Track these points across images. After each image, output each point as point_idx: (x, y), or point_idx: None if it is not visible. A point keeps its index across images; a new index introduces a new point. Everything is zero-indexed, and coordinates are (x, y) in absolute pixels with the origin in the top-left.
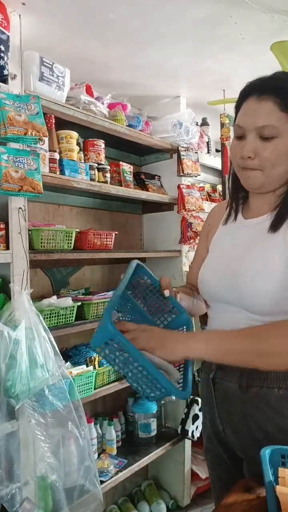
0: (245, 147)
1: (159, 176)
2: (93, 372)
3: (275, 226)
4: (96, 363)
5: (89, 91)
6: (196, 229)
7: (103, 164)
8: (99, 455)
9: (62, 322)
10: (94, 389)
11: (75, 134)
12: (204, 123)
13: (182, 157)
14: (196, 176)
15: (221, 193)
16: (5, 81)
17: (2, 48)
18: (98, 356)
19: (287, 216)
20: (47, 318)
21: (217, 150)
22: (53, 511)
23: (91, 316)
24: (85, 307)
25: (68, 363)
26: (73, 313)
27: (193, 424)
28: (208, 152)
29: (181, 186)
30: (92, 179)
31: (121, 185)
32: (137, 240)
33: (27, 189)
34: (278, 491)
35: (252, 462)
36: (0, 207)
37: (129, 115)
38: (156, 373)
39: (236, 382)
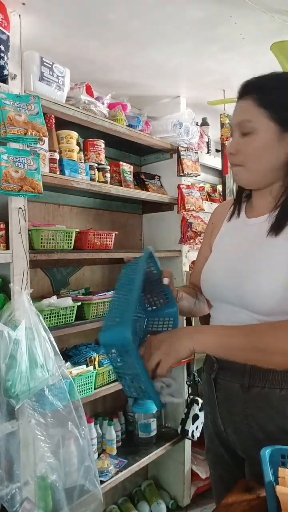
0: (230, 144)
1: (159, 176)
2: (93, 372)
3: (275, 231)
4: (96, 363)
5: (89, 91)
6: (196, 229)
7: (103, 164)
8: (99, 455)
9: (62, 322)
10: (94, 389)
11: (75, 134)
12: (204, 123)
13: (182, 157)
14: (196, 176)
15: (221, 193)
16: (5, 81)
17: (2, 48)
18: (98, 356)
19: (284, 220)
20: (47, 318)
21: (217, 150)
22: (53, 511)
23: (91, 316)
24: (85, 307)
25: (68, 363)
26: (73, 313)
27: (193, 424)
28: (208, 152)
29: (181, 186)
30: (92, 179)
31: (121, 185)
32: (137, 240)
33: (27, 189)
34: (278, 491)
35: (253, 462)
36: (0, 207)
37: (129, 115)
38: (148, 386)
39: (238, 382)
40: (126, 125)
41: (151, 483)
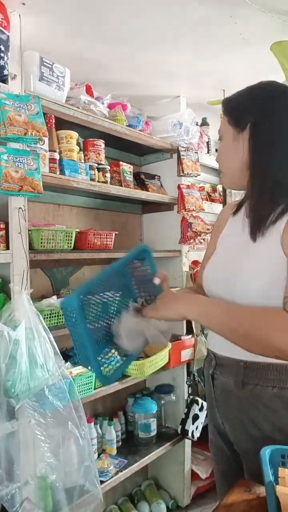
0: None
1: (159, 176)
2: (93, 372)
3: (253, 237)
4: None
5: (89, 91)
6: (196, 229)
7: (103, 164)
8: (99, 455)
9: (62, 322)
10: (94, 389)
11: (75, 134)
12: (204, 123)
13: (182, 157)
14: (196, 176)
15: (221, 193)
16: (5, 81)
17: (2, 48)
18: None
19: (257, 223)
20: (47, 318)
21: (217, 150)
22: (53, 511)
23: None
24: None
25: (68, 363)
26: None
27: (193, 424)
28: (208, 152)
29: (181, 186)
30: (92, 179)
31: (121, 185)
32: (137, 240)
33: (27, 189)
34: (278, 491)
35: (248, 457)
36: (0, 207)
37: (129, 115)
38: (92, 357)
39: (232, 379)
40: (126, 125)
41: (151, 483)
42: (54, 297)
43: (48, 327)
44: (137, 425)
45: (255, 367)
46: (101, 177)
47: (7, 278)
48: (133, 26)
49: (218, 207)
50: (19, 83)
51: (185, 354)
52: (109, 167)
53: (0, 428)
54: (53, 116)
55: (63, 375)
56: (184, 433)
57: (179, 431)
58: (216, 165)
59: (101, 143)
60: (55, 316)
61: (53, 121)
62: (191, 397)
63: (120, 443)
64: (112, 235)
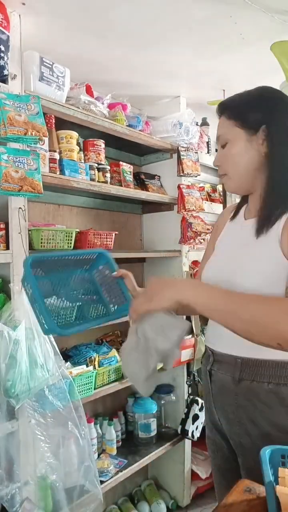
0: (214, 158)
1: (159, 176)
2: (93, 372)
3: (259, 231)
4: (96, 363)
5: (89, 91)
6: (196, 229)
7: (103, 164)
8: (99, 455)
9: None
10: (94, 389)
11: (75, 134)
12: (204, 123)
13: (182, 157)
14: (196, 176)
15: (221, 193)
16: (5, 81)
17: (2, 48)
18: (98, 356)
19: (268, 221)
20: None
21: (217, 150)
22: (53, 511)
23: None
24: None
25: (68, 363)
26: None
27: (193, 424)
28: (208, 152)
29: (181, 186)
30: (92, 179)
31: (121, 185)
32: (137, 240)
33: (27, 189)
34: (278, 491)
35: (243, 452)
36: (0, 207)
37: (129, 115)
38: (44, 311)
39: (230, 375)
40: (126, 125)
41: (151, 483)
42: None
43: None
44: (137, 425)
45: (252, 364)
46: (101, 177)
47: (7, 278)
48: (133, 26)
49: (218, 207)
50: (19, 83)
51: (185, 354)
52: (109, 167)
53: (0, 428)
54: (53, 116)
55: (63, 375)
56: (184, 433)
57: (179, 431)
58: None
59: (101, 143)
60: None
61: (53, 121)
62: (191, 397)
63: (120, 443)
64: (112, 235)
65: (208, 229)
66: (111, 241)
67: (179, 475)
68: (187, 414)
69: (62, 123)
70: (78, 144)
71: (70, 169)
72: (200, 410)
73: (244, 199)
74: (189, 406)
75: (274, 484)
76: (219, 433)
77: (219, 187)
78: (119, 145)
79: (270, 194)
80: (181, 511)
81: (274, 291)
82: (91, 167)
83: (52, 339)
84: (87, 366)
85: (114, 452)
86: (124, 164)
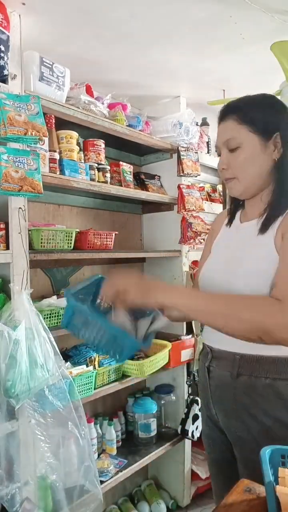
0: (219, 161)
1: (159, 176)
2: (93, 372)
3: (262, 229)
4: (96, 363)
5: (89, 91)
6: (196, 229)
7: (103, 164)
8: (99, 455)
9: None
10: (94, 389)
11: (75, 134)
12: (204, 123)
13: (182, 157)
14: (196, 176)
15: (221, 193)
16: (5, 81)
17: (2, 48)
18: (98, 356)
19: (272, 221)
20: (47, 318)
21: (216, 151)
22: (53, 511)
23: None
24: None
25: (68, 363)
26: None
27: (193, 424)
28: (208, 152)
29: (181, 186)
30: (92, 179)
31: (121, 185)
32: (137, 240)
33: (27, 189)
34: (278, 491)
35: (241, 444)
36: (0, 207)
37: (129, 115)
38: (116, 329)
39: (228, 371)
40: (126, 125)
41: (151, 483)
42: (54, 297)
43: (48, 327)
44: (137, 425)
45: (250, 360)
46: (101, 177)
47: (7, 278)
48: (133, 26)
49: (218, 207)
50: (19, 83)
51: (185, 354)
52: (109, 167)
53: (0, 428)
54: (53, 116)
55: (63, 375)
56: (184, 433)
57: (179, 431)
58: (216, 165)
59: (101, 143)
60: (55, 316)
61: (53, 121)
62: (191, 397)
63: (120, 443)
64: (112, 235)
65: (208, 229)
66: (111, 241)
67: (179, 475)
68: (187, 414)
69: (62, 123)
70: (78, 144)
71: (70, 169)
72: (200, 410)
73: (237, 205)
74: (189, 406)
75: (274, 484)
76: (216, 427)
77: (219, 187)
78: (119, 145)
79: (278, 198)
80: (181, 511)
81: (269, 289)
82: (91, 167)
83: (52, 339)
84: (87, 366)
85: (114, 452)
86: (124, 164)
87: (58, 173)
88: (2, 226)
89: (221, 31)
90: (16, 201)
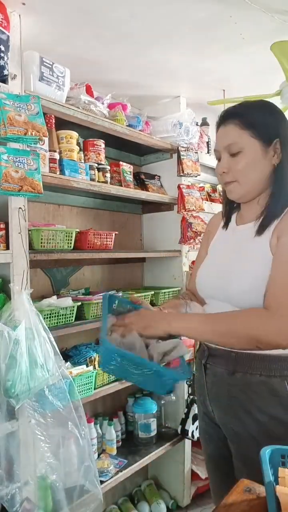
0: (220, 165)
1: (159, 176)
2: (93, 372)
3: (259, 231)
4: (96, 363)
5: (89, 91)
6: (196, 229)
7: (103, 164)
8: (99, 455)
9: (62, 322)
10: (94, 389)
11: (75, 134)
12: (204, 123)
13: (182, 157)
14: (196, 176)
15: (221, 193)
16: (5, 81)
17: (2, 48)
18: (98, 356)
19: (269, 223)
20: (47, 318)
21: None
22: (53, 511)
23: (91, 316)
24: (85, 307)
25: (68, 363)
26: (73, 313)
27: (193, 424)
28: (208, 152)
29: (181, 186)
30: (92, 179)
31: (121, 185)
32: (137, 240)
33: (27, 189)
34: (278, 491)
35: (236, 438)
36: (0, 207)
37: (129, 115)
38: (158, 366)
39: (224, 368)
40: (126, 125)
41: (151, 483)
42: (54, 297)
43: (48, 327)
44: (137, 425)
45: (245, 357)
46: (101, 177)
47: (7, 278)
48: (133, 26)
49: (218, 207)
50: (19, 83)
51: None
52: (109, 167)
53: (0, 428)
54: (53, 116)
55: (63, 375)
56: (184, 433)
57: (179, 431)
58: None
59: (101, 143)
60: (55, 316)
61: (53, 121)
62: (191, 397)
63: (120, 443)
64: (112, 235)
65: None
66: (111, 241)
67: (179, 475)
68: (187, 414)
69: (62, 123)
70: (78, 144)
71: (70, 169)
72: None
73: (232, 207)
74: (189, 406)
75: (274, 484)
76: (212, 423)
77: (219, 187)
78: (119, 145)
79: (275, 202)
80: (181, 511)
81: (265, 289)
82: (91, 167)
83: (52, 339)
84: (87, 366)
85: (114, 452)
86: (124, 164)
87: (58, 173)
88: (2, 226)
89: (221, 31)
90: (16, 201)
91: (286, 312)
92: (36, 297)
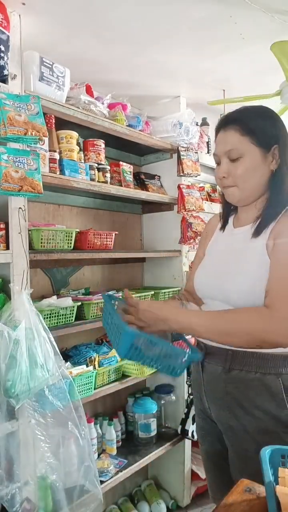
0: (220, 169)
1: (159, 176)
2: (93, 372)
3: (256, 233)
4: (96, 363)
5: (89, 91)
6: (196, 229)
7: (103, 164)
8: (99, 455)
9: (62, 322)
10: (94, 389)
11: (75, 134)
12: (204, 123)
13: (182, 157)
14: (196, 176)
15: (221, 193)
16: (5, 81)
17: (2, 48)
18: (98, 356)
19: (265, 226)
20: (47, 318)
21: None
22: (53, 511)
23: (91, 316)
24: (85, 307)
25: (68, 363)
26: (73, 313)
27: (193, 424)
28: (208, 152)
29: (181, 186)
30: (92, 179)
31: (121, 185)
32: (137, 240)
33: (27, 189)
34: (278, 491)
35: (232, 433)
36: (0, 207)
37: (129, 115)
38: (175, 348)
39: (220, 365)
40: (126, 125)
41: (151, 483)
42: (54, 297)
43: (48, 327)
44: (137, 425)
45: (241, 355)
46: (101, 177)
47: (7, 278)
48: (133, 26)
49: (218, 207)
50: (19, 83)
51: None
52: (109, 167)
53: (0, 428)
54: (53, 116)
55: (63, 375)
56: (184, 433)
57: (179, 431)
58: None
59: (101, 143)
60: (55, 316)
61: (53, 121)
62: (191, 397)
63: (120, 443)
64: (112, 235)
65: None
66: (111, 241)
67: (179, 475)
68: (187, 414)
69: (62, 123)
70: (78, 144)
71: (70, 169)
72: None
73: (230, 210)
74: (189, 406)
75: (274, 484)
76: (208, 419)
77: (219, 188)
78: (119, 145)
79: (272, 206)
80: (181, 511)
81: (262, 294)
82: (91, 167)
83: (52, 339)
84: (87, 366)
85: (114, 452)
86: (124, 164)
87: (58, 173)
88: (2, 226)
89: (221, 31)
90: (16, 201)
91: (286, 312)
92: (36, 297)
